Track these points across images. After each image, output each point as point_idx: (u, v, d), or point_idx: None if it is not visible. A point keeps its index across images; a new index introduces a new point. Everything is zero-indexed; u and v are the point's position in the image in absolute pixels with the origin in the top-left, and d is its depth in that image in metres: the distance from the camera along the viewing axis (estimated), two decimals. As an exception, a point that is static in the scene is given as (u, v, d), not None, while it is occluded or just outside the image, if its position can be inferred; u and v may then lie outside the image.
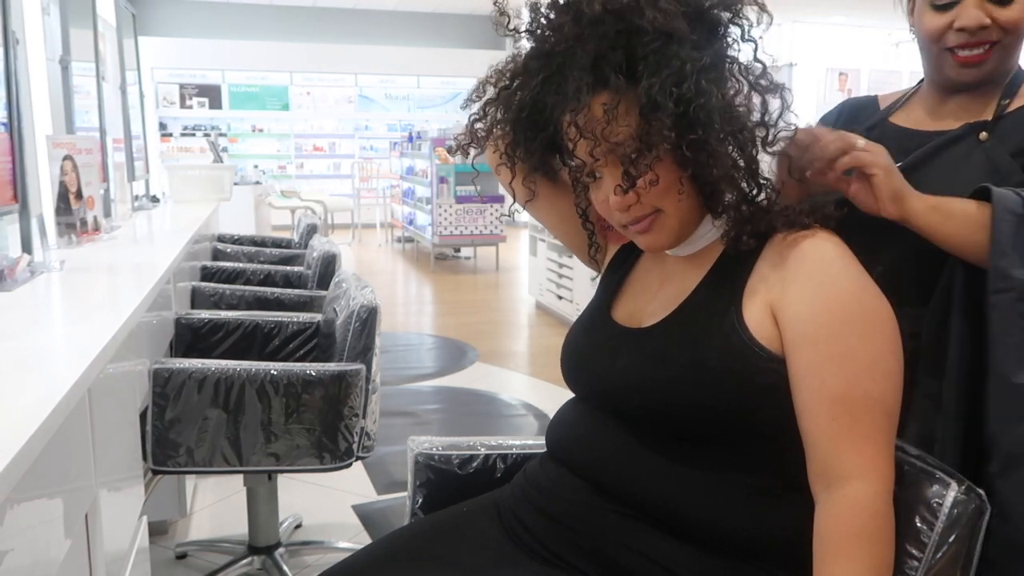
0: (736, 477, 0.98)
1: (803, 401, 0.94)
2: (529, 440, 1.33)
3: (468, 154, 1.17)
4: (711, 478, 0.98)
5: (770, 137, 1.00)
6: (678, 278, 1.06)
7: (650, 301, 1.09)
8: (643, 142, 0.94)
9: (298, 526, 2.57)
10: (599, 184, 1.03)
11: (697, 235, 1.05)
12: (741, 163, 0.98)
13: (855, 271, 0.96)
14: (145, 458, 1.74)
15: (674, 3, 0.95)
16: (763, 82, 1.00)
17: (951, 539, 0.90)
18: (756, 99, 1.00)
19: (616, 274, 1.18)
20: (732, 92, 0.98)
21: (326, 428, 1.81)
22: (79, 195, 2.32)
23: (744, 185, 0.99)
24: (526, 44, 1.07)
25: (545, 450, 1.15)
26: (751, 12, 0.99)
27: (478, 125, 1.13)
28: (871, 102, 1.32)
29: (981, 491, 0.91)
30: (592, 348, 1.11)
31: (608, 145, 0.96)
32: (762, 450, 0.98)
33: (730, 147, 0.97)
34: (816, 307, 0.94)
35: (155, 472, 1.80)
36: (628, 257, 1.18)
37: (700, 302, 1.02)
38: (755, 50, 1.01)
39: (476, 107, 1.12)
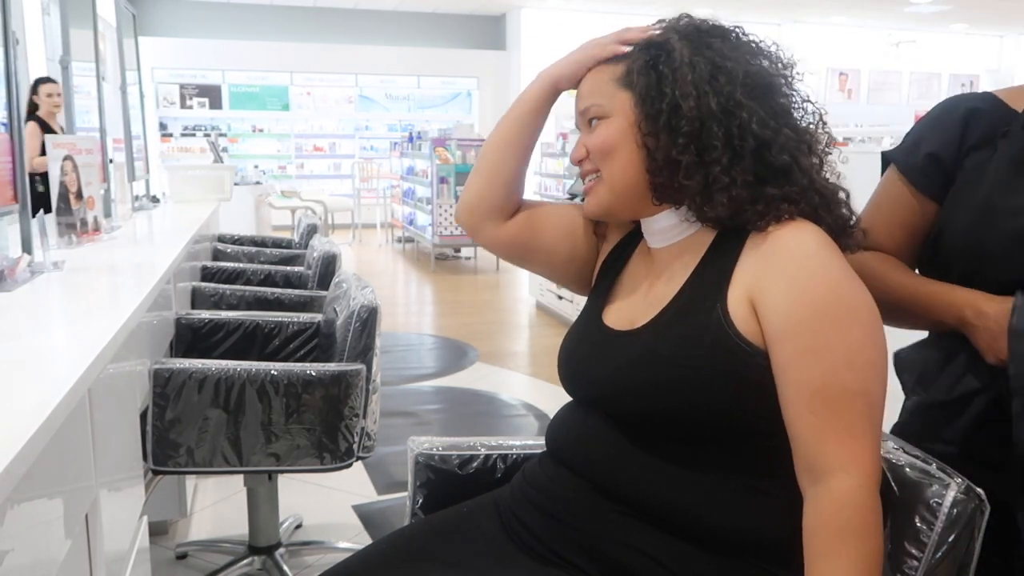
0: (731, 475, 0.98)
1: (784, 395, 0.94)
2: (529, 440, 1.33)
3: None
4: (706, 477, 0.98)
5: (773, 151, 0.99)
6: (665, 278, 1.07)
7: (639, 302, 1.09)
8: (607, 93, 1.05)
9: (298, 526, 2.57)
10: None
11: (665, 224, 1.07)
12: (680, 155, 0.99)
13: (834, 262, 0.96)
14: (145, 458, 1.74)
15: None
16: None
17: (951, 539, 0.90)
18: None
19: (605, 279, 1.18)
20: (710, 96, 0.99)
21: (326, 428, 1.81)
22: (79, 195, 2.32)
23: (715, 170, 0.98)
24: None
25: (544, 450, 1.16)
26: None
27: None
28: (998, 104, 1.14)
29: (980, 491, 0.91)
30: (586, 353, 1.11)
31: (585, 97, 1.07)
32: (756, 448, 0.98)
33: (703, 133, 0.98)
34: (792, 300, 0.94)
35: (155, 472, 1.80)
36: (617, 260, 1.18)
37: (686, 300, 1.02)
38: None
39: None
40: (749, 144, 0.98)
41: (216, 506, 2.71)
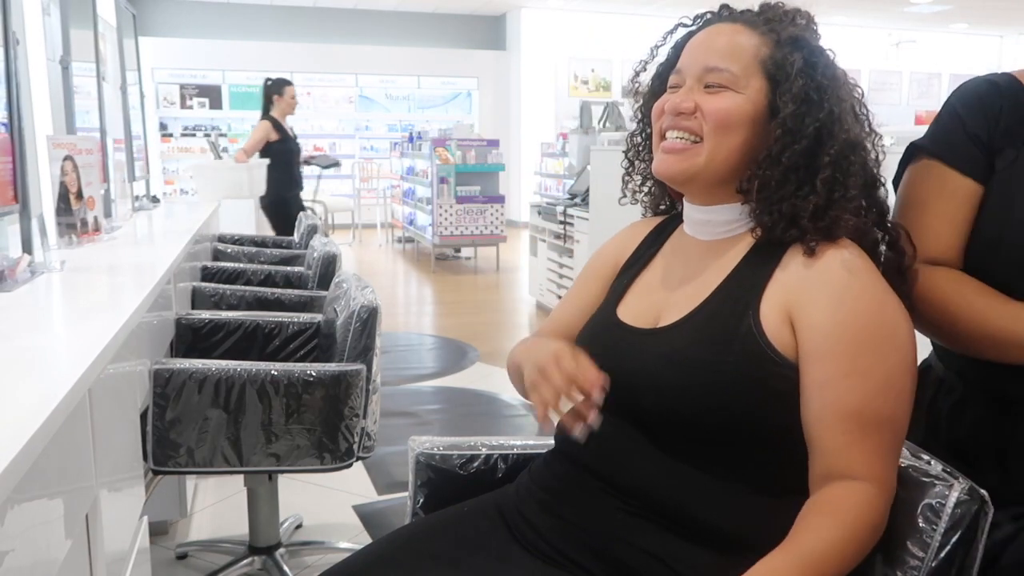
0: (743, 479, 0.98)
1: (814, 411, 0.94)
2: (530, 440, 1.33)
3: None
4: (718, 479, 0.98)
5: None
6: (699, 276, 1.06)
7: (667, 298, 1.08)
8: (745, 68, 1.00)
9: (298, 526, 2.57)
10: (677, 91, 1.06)
11: (716, 218, 1.06)
12: (826, 166, 0.98)
13: (877, 283, 0.96)
14: (146, 458, 1.73)
15: None
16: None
17: (954, 539, 0.89)
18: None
19: (622, 279, 1.18)
20: (854, 123, 1.01)
21: (326, 428, 1.81)
22: (79, 195, 2.32)
23: (798, 183, 0.99)
24: None
25: (547, 451, 1.15)
26: None
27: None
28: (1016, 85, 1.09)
29: (983, 492, 0.91)
30: (603, 351, 1.10)
31: (719, 56, 1.01)
32: (769, 453, 0.98)
33: (815, 147, 0.99)
34: (836, 320, 0.94)
35: (155, 472, 1.80)
36: (636, 263, 1.18)
37: (718, 304, 1.01)
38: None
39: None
40: (860, 180, 1.00)
41: (216, 506, 2.71)
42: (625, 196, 1.22)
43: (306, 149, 12.29)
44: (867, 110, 1.05)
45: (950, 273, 1.06)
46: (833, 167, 0.98)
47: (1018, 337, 0.98)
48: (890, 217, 1.07)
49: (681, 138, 1.04)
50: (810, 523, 0.92)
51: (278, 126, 5.39)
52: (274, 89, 5.42)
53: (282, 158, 5.34)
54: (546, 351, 0.95)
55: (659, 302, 1.09)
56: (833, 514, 0.92)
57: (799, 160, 0.99)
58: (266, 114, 5.41)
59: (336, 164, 7.56)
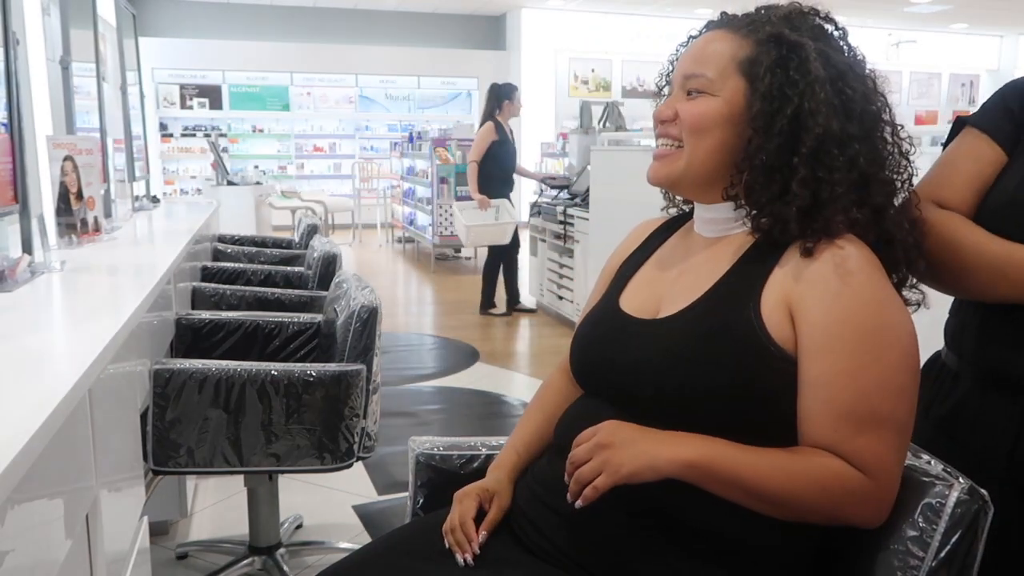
0: None
1: (807, 408, 0.94)
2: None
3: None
4: None
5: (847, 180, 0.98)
6: (699, 269, 1.06)
7: (667, 289, 1.08)
8: (721, 71, 1.01)
9: (299, 526, 2.57)
10: (666, 99, 1.09)
11: (719, 216, 1.07)
12: (799, 165, 0.98)
13: (877, 281, 0.95)
14: (146, 458, 1.73)
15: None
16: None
17: (954, 539, 0.89)
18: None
19: (626, 270, 1.18)
20: (833, 118, 0.98)
21: (327, 428, 1.81)
22: (79, 196, 2.32)
23: (783, 183, 0.98)
24: None
25: (550, 450, 1.15)
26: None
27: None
28: None
29: (984, 491, 0.91)
30: (605, 340, 1.10)
31: (696, 62, 1.03)
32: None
33: (796, 147, 0.98)
34: (833, 317, 0.93)
35: (156, 472, 1.80)
36: (641, 254, 1.19)
37: (718, 297, 1.01)
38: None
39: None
40: (854, 175, 0.98)
41: (216, 506, 2.71)
42: (667, 202, 1.23)
43: (307, 149, 12.40)
44: (883, 102, 1.03)
45: (958, 215, 1.11)
46: (811, 166, 0.97)
47: (1011, 265, 1.03)
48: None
49: (665, 144, 1.07)
50: (766, 448, 0.94)
51: (499, 128, 5.67)
52: (505, 94, 5.71)
53: (498, 160, 5.72)
54: (458, 511, 1.12)
55: (660, 293, 1.09)
56: (794, 451, 0.94)
57: (775, 159, 0.98)
58: (491, 116, 5.69)
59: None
